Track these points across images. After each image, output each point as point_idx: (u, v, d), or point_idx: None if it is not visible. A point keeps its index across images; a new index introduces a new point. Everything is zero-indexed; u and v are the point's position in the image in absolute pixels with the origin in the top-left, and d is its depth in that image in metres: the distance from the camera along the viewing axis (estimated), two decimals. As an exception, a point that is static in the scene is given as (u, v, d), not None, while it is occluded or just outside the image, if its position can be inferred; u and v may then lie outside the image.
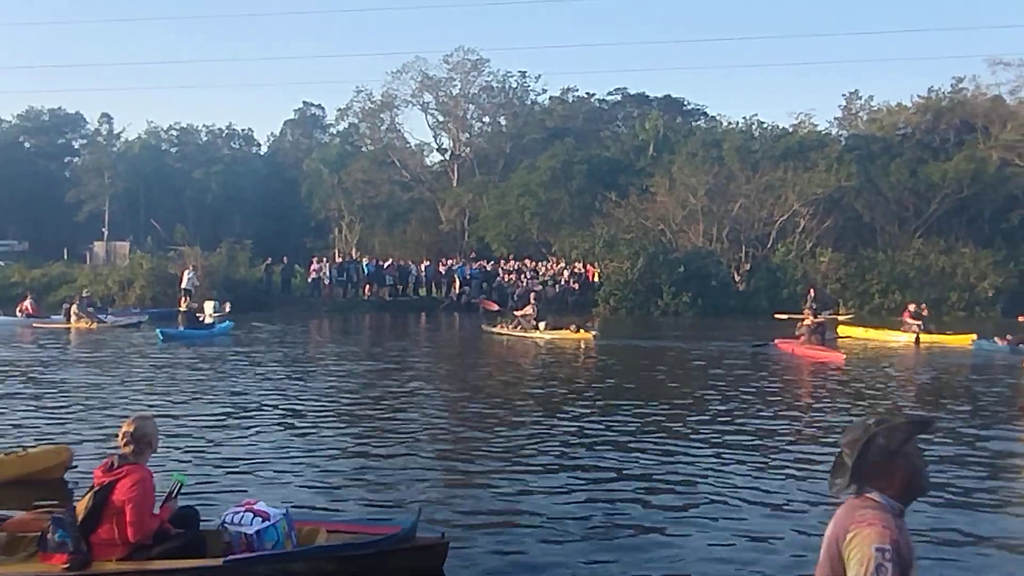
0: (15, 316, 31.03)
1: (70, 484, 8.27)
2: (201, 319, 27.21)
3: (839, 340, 25.87)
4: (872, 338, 27.25)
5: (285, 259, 42.96)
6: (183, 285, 36.88)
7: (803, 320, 23.67)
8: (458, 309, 39.37)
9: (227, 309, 29.68)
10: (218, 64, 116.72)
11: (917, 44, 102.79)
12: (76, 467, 8.56)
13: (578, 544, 6.61)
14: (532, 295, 31.32)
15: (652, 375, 17.70)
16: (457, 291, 41.07)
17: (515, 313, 28.39)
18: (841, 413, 12.90)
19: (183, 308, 27.30)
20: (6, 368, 17.42)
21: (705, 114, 64.33)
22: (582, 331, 25.28)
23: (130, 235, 58.39)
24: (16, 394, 13.93)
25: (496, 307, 34.67)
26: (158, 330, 24.74)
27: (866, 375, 18.04)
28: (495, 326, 28.09)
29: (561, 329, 25.96)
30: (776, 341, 23.42)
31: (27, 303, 31.89)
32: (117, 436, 5.72)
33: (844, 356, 20.71)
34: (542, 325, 26.43)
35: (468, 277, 41.85)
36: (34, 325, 29.05)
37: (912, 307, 27.80)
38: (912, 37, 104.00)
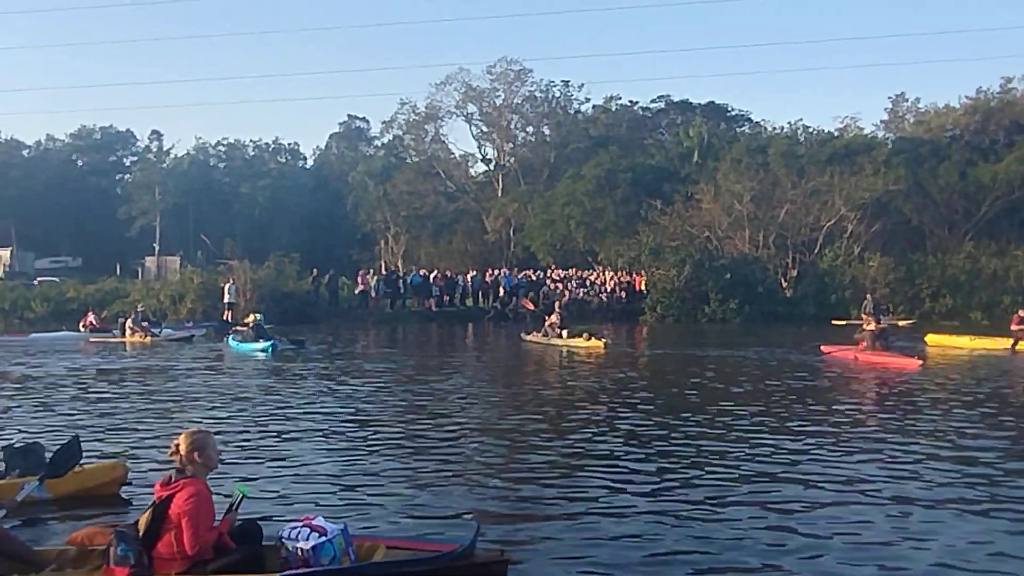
0: (79, 331, 31.71)
1: (126, 499, 8.32)
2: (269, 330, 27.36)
3: (928, 350, 24.38)
4: (975, 347, 24.99)
5: (331, 271, 43.30)
6: (225, 299, 37.46)
7: (864, 326, 23.10)
8: (504, 319, 39.44)
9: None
10: (264, 79, 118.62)
11: (964, 44, 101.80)
12: (131, 483, 8.61)
13: (644, 562, 6.44)
14: (557, 303, 31.47)
15: (708, 383, 17.28)
16: (503, 300, 41.25)
17: (545, 321, 28.56)
18: (930, 424, 12.26)
19: (250, 320, 27.21)
20: (63, 382, 17.77)
21: (749, 120, 64.04)
22: (593, 339, 25.40)
23: (180, 250, 59.44)
24: (73, 409, 14.14)
25: (533, 307, 34.74)
26: (271, 342, 24.92)
27: (950, 383, 17.10)
28: (529, 335, 28.42)
29: (577, 337, 26.13)
30: (823, 347, 23.13)
31: (90, 317, 32.61)
32: (175, 449, 5.80)
33: (920, 362, 19.93)
34: (564, 333, 26.62)
35: (515, 287, 41.93)
36: (90, 339, 29.63)
37: (1022, 312, 26.07)
38: (959, 37, 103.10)
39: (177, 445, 5.76)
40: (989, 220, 45.57)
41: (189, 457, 5.72)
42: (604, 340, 25.25)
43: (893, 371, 19.20)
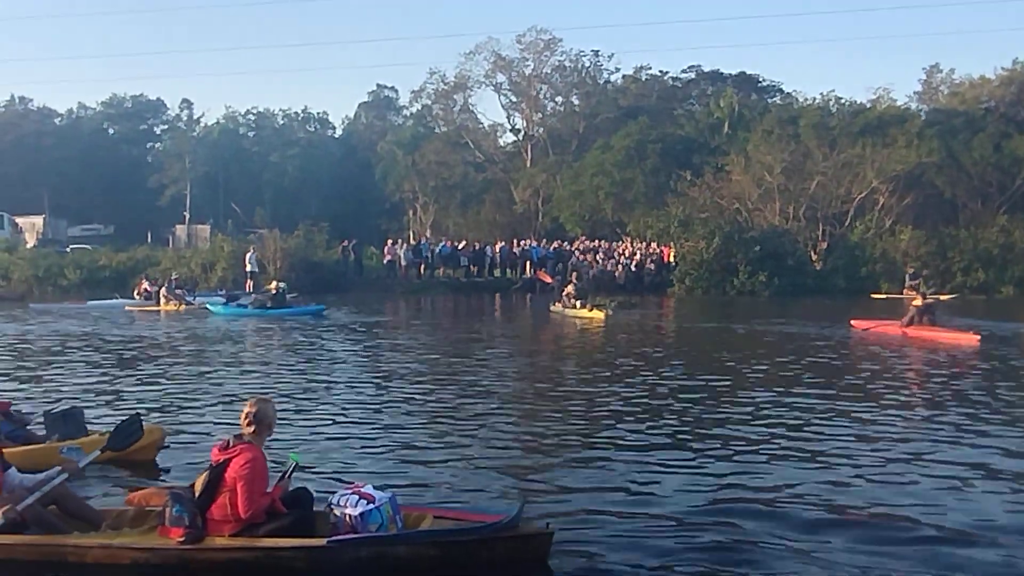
0: (135, 298, 32.22)
1: (162, 465, 8.48)
2: (293, 297, 28.46)
3: None
4: None
5: (354, 239, 43.31)
6: (247, 268, 37.71)
7: (911, 301, 22.88)
8: (532, 290, 39.52)
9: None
10: (293, 49, 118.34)
11: (1000, 14, 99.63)
12: (168, 447, 8.82)
13: (692, 540, 6.36)
14: (574, 273, 31.62)
15: (741, 356, 17.10)
16: (533, 271, 41.34)
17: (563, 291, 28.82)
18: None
19: (272, 289, 27.85)
20: (106, 348, 18.04)
21: (781, 91, 63.25)
22: (595, 309, 25.67)
23: (210, 218, 59.78)
24: (110, 374, 14.37)
25: (550, 279, 34.93)
26: (321, 306, 27.43)
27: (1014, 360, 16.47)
28: (554, 305, 28.58)
29: (583, 308, 26.32)
30: (853, 321, 22.81)
31: (144, 284, 33.07)
32: (240, 415, 6.00)
33: (979, 338, 19.03)
34: (578, 303, 26.77)
35: (543, 258, 41.96)
36: (127, 308, 30.06)
37: None
38: (995, 7, 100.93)
39: (248, 411, 5.95)
40: (1023, 194, 45.04)
41: (257, 424, 5.92)
42: (606, 311, 25.47)
43: (947, 347, 18.48)
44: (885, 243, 41.38)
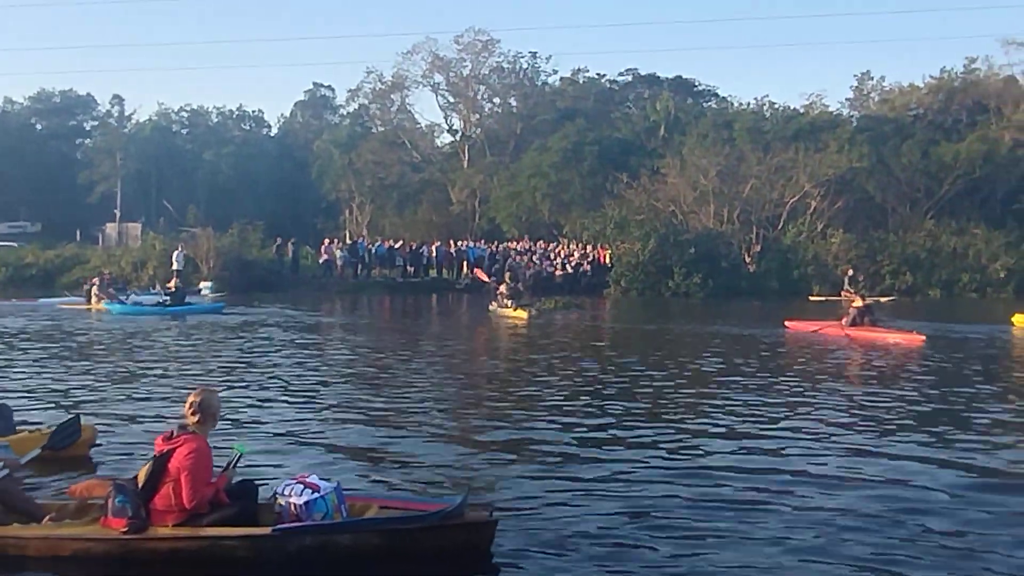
0: (81, 296, 31.52)
1: (94, 461, 8.29)
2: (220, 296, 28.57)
3: (1014, 331, 22.87)
4: None
5: (293, 239, 43.00)
6: (174, 266, 37.10)
7: (852, 302, 23.19)
8: (472, 290, 39.50)
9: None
10: (228, 45, 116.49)
11: (930, 24, 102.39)
12: (100, 445, 8.65)
13: (630, 527, 6.48)
14: (507, 274, 31.81)
15: (688, 355, 17.26)
16: (467, 272, 41.35)
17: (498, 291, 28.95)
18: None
19: (171, 287, 28.60)
20: (34, 346, 17.67)
21: (716, 95, 64.21)
22: (519, 310, 25.94)
23: (142, 216, 58.80)
24: (40, 372, 14.09)
25: (488, 278, 35.14)
26: (222, 303, 28.11)
27: (953, 361, 16.50)
28: (490, 305, 28.58)
29: (509, 308, 26.49)
30: (787, 322, 23.01)
31: (95, 282, 32.33)
32: (184, 405, 5.93)
33: (923, 338, 19.16)
34: (509, 303, 26.87)
35: (479, 259, 41.95)
36: (58, 306, 29.48)
37: None
38: (924, 17, 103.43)
39: (192, 401, 5.89)
40: (950, 199, 46.12)
41: (202, 413, 5.86)
42: (530, 311, 25.79)
43: (891, 347, 18.66)
44: (817, 246, 42.16)
